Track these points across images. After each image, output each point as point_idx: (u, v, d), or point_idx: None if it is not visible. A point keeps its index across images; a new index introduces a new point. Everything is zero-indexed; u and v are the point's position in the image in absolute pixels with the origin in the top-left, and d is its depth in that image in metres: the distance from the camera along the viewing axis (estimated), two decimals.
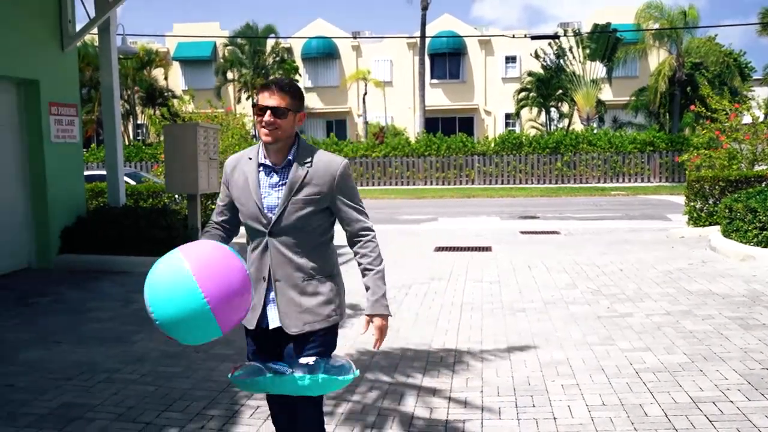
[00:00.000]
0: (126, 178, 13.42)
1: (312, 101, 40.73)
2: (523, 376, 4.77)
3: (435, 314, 6.63)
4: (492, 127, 39.19)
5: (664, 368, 4.82)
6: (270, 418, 3.18)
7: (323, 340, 2.84)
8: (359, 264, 2.88)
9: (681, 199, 14.71)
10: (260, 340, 2.90)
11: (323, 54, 39.94)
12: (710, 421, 3.88)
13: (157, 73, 38.64)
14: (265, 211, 2.79)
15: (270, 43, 38.19)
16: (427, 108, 34.31)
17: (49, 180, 9.26)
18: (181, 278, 2.40)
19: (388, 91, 38.91)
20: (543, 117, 36.23)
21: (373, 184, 28.30)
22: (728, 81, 33.02)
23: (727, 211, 10.08)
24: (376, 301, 2.81)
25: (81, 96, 10.04)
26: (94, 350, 5.55)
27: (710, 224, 11.84)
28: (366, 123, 37.60)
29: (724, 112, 14.51)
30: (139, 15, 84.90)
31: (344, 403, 4.30)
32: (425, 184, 28.05)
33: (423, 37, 32.85)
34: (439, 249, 10.91)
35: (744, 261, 8.92)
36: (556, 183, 27.22)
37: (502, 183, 27.58)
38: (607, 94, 35.11)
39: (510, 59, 39.51)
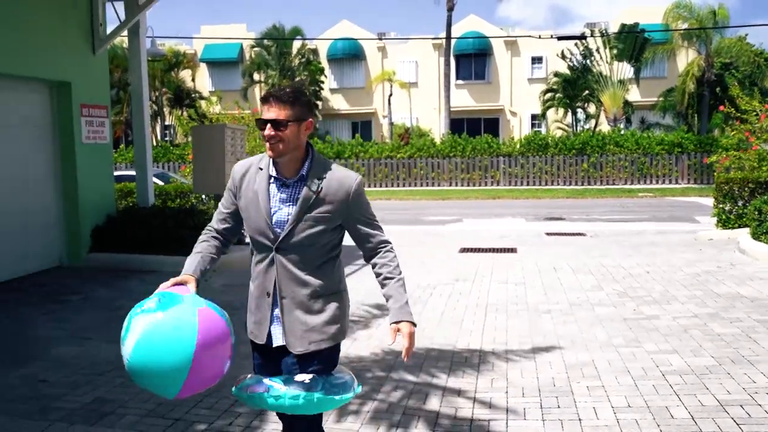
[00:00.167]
0: (154, 179, 13.60)
1: (337, 102, 40.88)
2: (548, 377, 4.77)
3: (460, 315, 6.65)
4: (517, 128, 39.01)
5: (690, 371, 4.80)
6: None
7: (326, 359, 2.74)
8: (378, 275, 2.78)
9: (709, 201, 14.54)
10: (265, 356, 2.82)
11: (349, 55, 40.04)
12: (737, 425, 3.86)
13: (185, 74, 39.06)
14: (274, 226, 2.68)
15: (296, 44, 38.39)
16: (452, 109, 34.26)
17: (80, 180, 9.43)
18: (185, 336, 2.34)
19: (413, 92, 38.91)
20: (569, 118, 35.96)
21: (398, 185, 28.32)
22: (759, 81, 32.51)
23: (756, 213, 9.96)
24: (400, 308, 2.72)
25: (110, 97, 10.21)
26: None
27: (739, 226, 11.70)
28: (391, 124, 37.63)
29: (754, 113, 14.30)
30: (167, 17, 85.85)
31: (370, 401, 4.34)
32: (450, 185, 28.02)
33: (449, 38, 32.82)
34: (464, 250, 10.91)
35: None
36: (582, 184, 27.03)
37: (528, 184, 27.44)
38: (634, 94, 34.77)
39: (536, 60, 39.29)
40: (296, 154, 2.66)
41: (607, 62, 31.65)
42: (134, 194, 11.29)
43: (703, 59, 30.86)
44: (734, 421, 3.91)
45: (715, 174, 14.26)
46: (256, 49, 38.55)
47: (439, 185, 28.06)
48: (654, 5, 34.18)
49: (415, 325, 2.73)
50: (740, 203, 11.90)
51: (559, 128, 35.01)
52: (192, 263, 2.72)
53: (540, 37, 29.15)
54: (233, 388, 2.71)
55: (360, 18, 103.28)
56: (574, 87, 33.54)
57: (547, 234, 12.83)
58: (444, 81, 33.29)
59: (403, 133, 33.99)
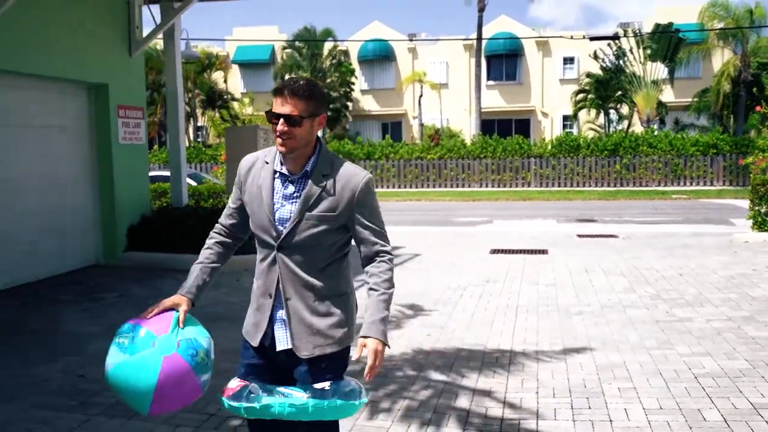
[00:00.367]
0: (187, 179, 13.80)
1: (368, 103, 41.01)
2: (579, 378, 4.77)
3: (490, 316, 6.66)
4: (549, 129, 38.75)
5: (724, 374, 4.76)
6: None
7: (335, 365, 2.62)
8: (367, 283, 2.60)
9: (745, 203, 14.32)
10: (260, 358, 2.68)
11: (379, 56, 40.14)
12: None
13: (217, 76, 39.50)
14: (276, 223, 2.56)
15: (327, 46, 38.62)
16: (483, 110, 34.15)
17: (116, 181, 9.62)
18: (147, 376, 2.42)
19: (443, 93, 38.87)
20: (601, 119, 35.63)
21: (428, 187, 28.32)
22: None
23: None
24: (372, 323, 2.51)
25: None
26: None
27: None
28: (421, 125, 37.64)
29: None
30: (200, 20, 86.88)
31: (401, 400, 4.38)
32: (480, 186, 27.93)
33: (479, 39, 32.72)
34: (495, 251, 10.90)
35: None
36: (615, 186, 26.75)
37: (559, 186, 27.25)
38: (668, 95, 34.33)
39: (568, 60, 39.00)
40: (306, 150, 2.56)
41: (640, 62, 31.30)
42: (168, 194, 11.48)
43: (739, 59, 30.37)
44: None
45: (751, 176, 14.03)
46: (287, 50, 38.88)
47: (469, 186, 28.00)
48: (689, 4, 33.72)
49: (385, 344, 2.51)
50: None
51: (591, 129, 34.70)
52: (190, 278, 2.70)
53: (572, 38, 28.98)
54: (226, 400, 2.58)
55: (391, 19, 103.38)
56: (607, 88, 33.21)
57: (579, 236, 12.75)
58: (475, 82, 33.20)
59: (434, 134, 33.97)
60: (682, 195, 23.14)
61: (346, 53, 39.90)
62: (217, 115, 38.25)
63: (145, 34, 10.17)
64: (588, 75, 34.40)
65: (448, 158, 28.43)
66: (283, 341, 2.60)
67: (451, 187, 28.17)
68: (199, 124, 39.91)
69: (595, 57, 32.66)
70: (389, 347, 2.59)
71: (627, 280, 8.26)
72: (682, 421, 3.96)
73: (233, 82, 41.06)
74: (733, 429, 3.83)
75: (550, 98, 39.25)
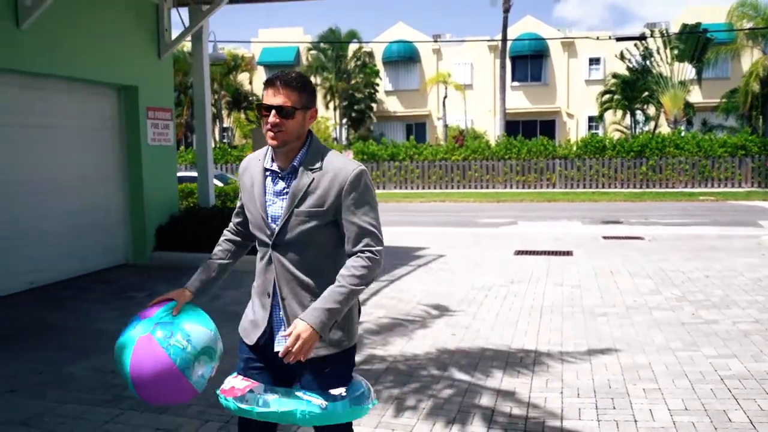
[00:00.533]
0: (214, 180, 13.97)
1: (392, 104, 41.08)
2: (604, 379, 4.78)
3: (515, 316, 6.68)
4: (574, 130, 38.54)
5: (750, 375, 4.74)
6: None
7: (339, 368, 2.55)
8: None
9: None
10: (258, 356, 2.61)
11: (404, 57, 40.22)
12: None
13: (243, 77, 39.86)
14: (269, 221, 2.51)
15: (352, 47, 38.77)
16: (507, 111, 34.07)
17: (145, 181, 9.78)
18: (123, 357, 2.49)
19: (468, 94, 38.82)
20: (628, 120, 35.36)
21: (452, 188, 28.31)
22: None
23: None
24: (312, 309, 2.37)
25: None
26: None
27: None
28: (446, 126, 37.64)
29: None
30: (226, 22, 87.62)
31: (426, 398, 4.43)
32: (505, 187, 27.86)
33: (504, 40, 32.65)
34: (519, 252, 10.89)
35: None
36: (641, 187, 26.54)
37: (584, 187, 27.09)
38: (696, 96, 33.97)
39: (594, 61, 38.76)
40: (297, 143, 2.49)
41: (667, 63, 31.02)
42: (195, 195, 11.65)
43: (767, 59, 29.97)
44: None
45: None
46: (312, 52, 39.10)
47: (493, 187, 27.93)
48: (717, 4, 33.36)
49: (317, 333, 2.34)
50: None
51: (617, 130, 34.46)
52: (197, 273, 2.74)
53: (598, 39, 28.81)
54: (232, 402, 2.52)
55: (416, 20, 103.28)
56: (633, 88, 32.96)
57: (604, 237, 12.69)
58: (499, 83, 33.13)
59: (458, 135, 33.96)
60: (709, 197, 22.89)
61: (370, 54, 40.03)
62: (243, 116, 38.60)
63: (173, 36, 10.33)
64: (614, 76, 34.17)
65: (472, 159, 28.40)
66: (281, 342, 2.52)
67: (476, 188, 28.13)
68: (225, 125, 40.29)
69: (622, 57, 32.43)
70: (324, 339, 2.41)
71: (653, 282, 8.22)
72: (707, 422, 3.96)
73: (258, 84, 41.34)
74: (759, 430, 3.83)
75: (575, 99, 39.03)
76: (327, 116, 37.43)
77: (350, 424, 2.62)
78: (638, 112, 35.05)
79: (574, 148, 27.83)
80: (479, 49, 39.48)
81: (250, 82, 40.32)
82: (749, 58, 32.91)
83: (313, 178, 2.45)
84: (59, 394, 4.60)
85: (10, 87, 7.97)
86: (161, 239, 9.98)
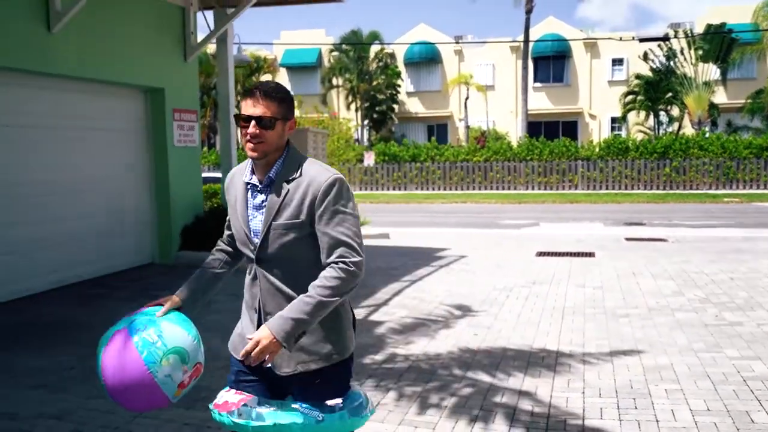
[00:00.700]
0: None
1: (413, 106, 41.12)
2: (626, 379, 4.80)
3: (536, 317, 6.71)
4: (597, 132, 38.32)
5: None
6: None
7: (332, 382, 2.49)
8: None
9: None
10: (250, 370, 2.56)
11: (425, 59, 40.24)
12: None
13: (265, 79, 40.06)
14: (252, 235, 2.48)
15: (374, 49, 38.88)
16: (529, 112, 33.99)
17: (171, 182, 9.94)
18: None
19: (489, 95, 38.75)
20: (651, 121, 35.10)
21: (474, 189, 28.31)
22: None
23: None
24: (277, 317, 2.32)
25: None
26: (215, 339, 5.95)
27: None
28: (467, 127, 37.61)
29: None
30: (248, 24, 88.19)
31: (449, 397, 4.48)
32: (527, 188, 27.80)
33: (527, 41, 32.58)
34: (541, 254, 10.90)
35: None
36: (664, 189, 26.36)
37: (607, 188, 26.96)
38: (720, 96, 33.64)
39: (617, 62, 38.51)
40: (275, 155, 2.45)
41: (691, 63, 30.76)
42: (218, 195, 11.78)
43: None
44: None
45: None
46: (334, 53, 39.25)
47: (515, 189, 27.89)
48: (742, 4, 33.02)
49: (278, 341, 2.27)
50: None
51: (641, 131, 34.23)
52: (187, 282, 2.68)
53: (621, 39, 28.65)
54: (226, 417, 2.48)
55: (437, 21, 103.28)
56: (657, 89, 32.73)
57: (627, 239, 12.65)
58: (522, 84, 33.07)
59: (479, 136, 33.93)
60: (734, 198, 22.68)
61: (392, 56, 40.10)
62: None
63: (198, 39, 10.47)
64: (637, 76, 33.94)
65: (494, 160, 28.38)
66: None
67: (497, 189, 28.11)
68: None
69: (645, 58, 32.20)
70: (286, 348, 2.31)
71: (675, 284, 8.20)
72: (729, 423, 3.97)
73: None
74: None
75: (598, 100, 38.81)
76: (348, 117, 37.53)
77: None
78: (662, 113, 34.79)
79: (597, 150, 27.70)
80: (501, 50, 39.39)
81: None
82: None
83: (288, 189, 2.40)
84: (89, 389, 4.71)
85: (42, 90, 8.15)
86: (186, 239, 10.13)
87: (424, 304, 7.28)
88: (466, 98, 38.07)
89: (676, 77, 31.30)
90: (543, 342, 5.82)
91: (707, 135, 28.57)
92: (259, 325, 2.48)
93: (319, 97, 38.56)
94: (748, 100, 33.43)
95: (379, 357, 5.42)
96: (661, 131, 34.39)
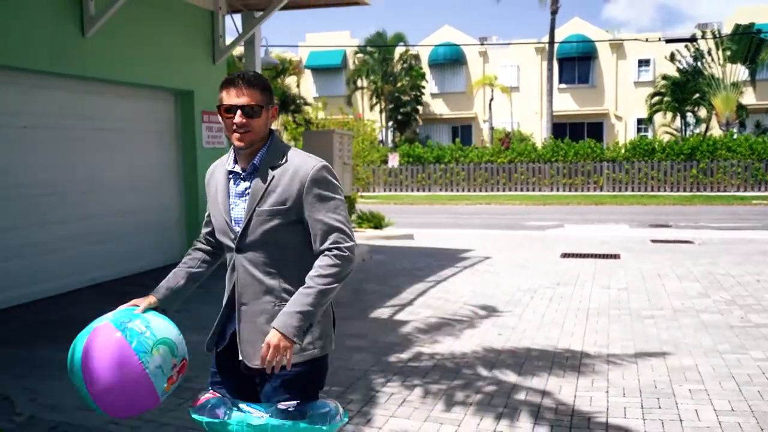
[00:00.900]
0: None
1: (438, 107, 41.15)
2: (650, 379, 4.84)
3: (561, 317, 6.76)
4: (623, 133, 38.05)
5: None
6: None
7: (302, 380, 2.43)
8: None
9: None
10: (220, 368, 2.60)
11: (450, 60, 40.25)
12: None
13: (291, 81, 40.35)
14: (233, 224, 2.46)
15: (398, 50, 38.98)
16: (554, 113, 33.85)
17: (200, 183, 10.10)
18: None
19: (514, 96, 38.67)
20: (678, 122, 34.79)
21: (498, 190, 28.28)
22: None
23: None
24: (282, 314, 2.32)
25: None
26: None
27: None
28: (492, 128, 37.56)
29: None
30: (274, 27, 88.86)
31: (474, 394, 4.56)
32: (551, 190, 27.73)
33: (552, 42, 32.47)
34: (566, 255, 10.91)
35: None
36: (691, 191, 26.13)
37: (632, 190, 26.79)
38: (749, 97, 33.25)
39: (643, 62, 38.20)
40: (260, 143, 2.46)
41: (719, 64, 30.45)
42: None
43: None
44: None
45: None
46: (359, 55, 39.42)
47: (539, 190, 27.83)
48: None
49: (287, 337, 2.28)
50: None
51: (667, 133, 33.94)
52: (163, 281, 2.67)
53: (647, 40, 28.46)
54: (191, 410, 2.51)
55: (462, 22, 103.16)
56: (684, 90, 32.44)
57: (652, 241, 12.61)
58: (546, 85, 32.96)
59: (504, 137, 33.88)
60: (762, 200, 22.42)
61: (416, 57, 40.17)
62: (291, 118, 39.10)
63: (227, 42, 10.63)
64: (664, 77, 33.68)
65: (518, 162, 28.34)
66: (249, 353, 2.47)
67: (522, 191, 28.06)
68: (272, 128, 40.84)
69: (672, 59, 31.94)
70: (297, 343, 2.32)
71: (701, 286, 8.19)
72: (753, 423, 4.00)
73: (306, 87, 41.87)
74: None
75: (624, 101, 38.54)
76: (373, 119, 37.63)
77: None
78: (689, 114, 34.47)
79: (623, 151, 27.55)
80: (526, 52, 39.27)
81: (298, 86, 40.82)
82: None
83: (274, 176, 2.40)
84: None
85: (77, 93, 8.34)
86: None
87: (448, 304, 7.35)
88: (491, 99, 38.01)
89: (703, 78, 31.01)
90: (567, 342, 5.87)
91: (735, 136, 28.26)
92: (232, 316, 2.51)
93: (344, 99, 38.74)
94: None
95: (404, 355, 5.51)
96: (688, 132, 34.09)
